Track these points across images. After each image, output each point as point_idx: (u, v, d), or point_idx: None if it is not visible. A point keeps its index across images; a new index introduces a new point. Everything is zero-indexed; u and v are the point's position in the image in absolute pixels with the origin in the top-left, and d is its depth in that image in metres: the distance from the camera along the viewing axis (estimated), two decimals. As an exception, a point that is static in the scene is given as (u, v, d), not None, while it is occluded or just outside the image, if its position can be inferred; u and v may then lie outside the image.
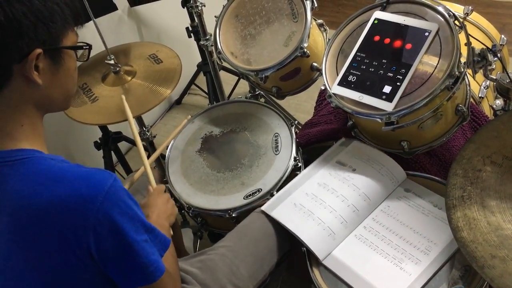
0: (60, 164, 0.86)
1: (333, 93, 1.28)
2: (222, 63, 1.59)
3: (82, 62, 1.73)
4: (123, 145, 2.16)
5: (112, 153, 2.05)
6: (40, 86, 0.86)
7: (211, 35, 1.87)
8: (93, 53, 1.76)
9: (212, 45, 1.84)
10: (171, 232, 1.15)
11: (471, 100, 1.38)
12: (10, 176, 0.83)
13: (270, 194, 1.35)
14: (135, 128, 1.34)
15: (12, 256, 0.85)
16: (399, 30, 1.27)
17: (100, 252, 0.83)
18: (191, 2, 1.80)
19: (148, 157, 1.50)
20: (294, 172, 1.40)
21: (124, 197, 0.85)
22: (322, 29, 1.58)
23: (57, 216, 0.80)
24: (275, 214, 1.25)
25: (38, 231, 0.82)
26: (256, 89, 1.82)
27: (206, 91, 2.44)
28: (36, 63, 0.83)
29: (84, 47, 0.94)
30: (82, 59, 0.96)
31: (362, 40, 1.31)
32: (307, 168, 1.37)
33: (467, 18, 1.59)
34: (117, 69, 1.63)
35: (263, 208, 1.28)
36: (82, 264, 0.83)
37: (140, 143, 1.33)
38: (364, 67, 1.27)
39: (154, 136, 1.80)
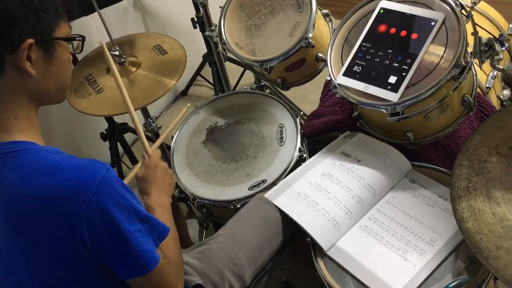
0: (54, 155, 0.86)
1: (338, 84, 1.28)
2: (227, 54, 1.59)
3: (85, 55, 1.75)
4: (129, 136, 2.17)
5: (118, 144, 2.06)
6: (33, 77, 0.86)
7: (216, 26, 1.86)
8: (98, 44, 1.78)
9: (217, 36, 1.84)
10: (171, 200, 1.14)
11: (478, 90, 1.37)
12: (3, 168, 0.83)
13: (274, 185, 1.35)
14: (127, 96, 1.27)
15: (8, 247, 0.86)
16: (405, 20, 1.26)
17: (94, 242, 0.83)
18: (196, -8, 1.79)
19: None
20: (299, 163, 1.40)
21: (118, 187, 0.84)
22: (327, 19, 1.57)
23: (50, 207, 0.81)
24: (278, 202, 1.25)
25: (33, 223, 0.82)
26: (261, 80, 1.82)
27: (212, 82, 2.44)
28: (28, 54, 0.84)
29: (77, 39, 0.93)
30: (77, 51, 0.96)
31: (368, 30, 1.29)
32: (311, 158, 1.36)
33: (475, 7, 1.58)
34: (122, 60, 1.64)
35: (266, 195, 1.28)
36: (78, 254, 0.84)
37: (134, 114, 1.26)
38: (369, 57, 1.26)
39: (159, 127, 1.80)
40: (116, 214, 0.83)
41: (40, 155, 0.85)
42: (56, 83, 0.91)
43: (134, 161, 2.13)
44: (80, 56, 1.74)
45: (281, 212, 1.24)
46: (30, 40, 0.83)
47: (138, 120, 1.25)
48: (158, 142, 1.35)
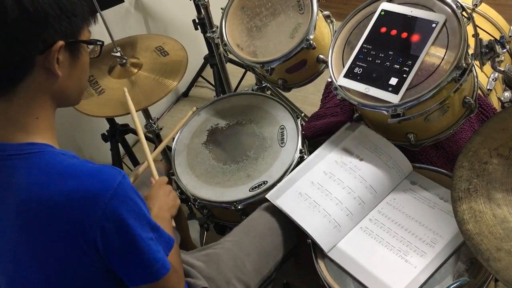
0: (70, 159, 0.87)
1: (339, 85, 1.28)
2: (228, 55, 1.59)
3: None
4: (130, 138, 2.17)
5: (120, 145, 2.06)
6: (58, 79, 0.87)
7: (217, 27, 1.87)
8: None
9: (218, 38, 1.84)
10: (173, 224, 1.15)
11: (479, 92, 1.37)
12: (20, 169, 0.84)
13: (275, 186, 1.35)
14: (138, 123, 1.33)
15: (19, 248, 0.86)
16: (406, 22, 1.26)
17: (106, 248, 0.83)
18: (198, -6, 1.80)
19: (154, 148, 1.51)
20: (299, 164, 1.40)
21: (132, 195, 0.85)
22: (328, 20, 1.57)
23: (65, 211, 0.81)
24: (279, 202, 1.25)
25: (46, 225, 0.82)
26: (262, 81, 1.82)
27: (213, 83, 2.44)
28: (57, 55, 0.84)
29: (98, 43, 0.95)
30: (93, 55, 0.98)
31: (369, 32, 1.30)
32: (312, 154, 1.35)
33: (476, 9, 1.58)
34: (124, 61, 1.64)
35: (267, 195, 1.28)
36: (88, 259, 0.84)
37: (143, 137, 1.32)
38: (370, 59, 1.26)
39: (161, 129, 1.80)
40: (130, 221, 0.83)
41: (57, 158, 0.85)
42: (77, 85, 0.93)
43: (135, 162, 2.14)
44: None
45: (286, 221, 1.24)
46: (61, 42, 0.84)
47: (142, 127, 1.28)
48: (160, 147, 1.36)
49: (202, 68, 2.64)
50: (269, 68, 1.46)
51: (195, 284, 1.11)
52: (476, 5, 1.57)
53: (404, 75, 1.20)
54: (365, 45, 1.29)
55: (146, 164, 1.30)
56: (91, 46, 0.95)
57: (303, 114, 2.12)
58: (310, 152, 1.46)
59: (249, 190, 1.37)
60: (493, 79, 1.50)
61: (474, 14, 1.48)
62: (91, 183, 0.82)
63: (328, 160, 1.32)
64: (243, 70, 2.48)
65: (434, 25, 1.21)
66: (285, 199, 1.26)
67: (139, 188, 1.35)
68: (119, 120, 2.04)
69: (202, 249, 1.25)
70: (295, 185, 1.29)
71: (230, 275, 1.16)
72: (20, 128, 0.86)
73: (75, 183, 0.82)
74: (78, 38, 0.88)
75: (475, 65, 1.25)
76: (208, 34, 1.91)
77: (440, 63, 1.18)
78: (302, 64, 1.51)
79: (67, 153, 0.88)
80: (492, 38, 1.20)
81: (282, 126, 1.49)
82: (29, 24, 0.81)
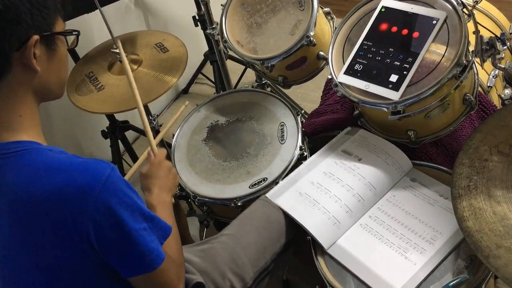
0: (58, 155, 0.86)
1: (339, 82, 1.28)
2: (228, 52, 1.59)
3: (87, 52, 1.75)
4: (130, 134, 2.17)
5: (120, 142, 2.06)
6: (37, 74, 0.86)
7: (217, 24, 1.87)
8: (99, 41, 1.78)
9: (218, 34, 1.84)
10: (173, 200, 1.14)
11: (480, 89, 1.37)
12: (8, 168, 0.84)
13: (275, 183, 1.35)
14: (138, 94, 1.30)
15: (13, 247, 0.86)
16: (407, 18, 1.26)
17: (99, 241, 0.83)
18: (198, -10, 1.79)
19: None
20: (300, 161, 1.40)
21: (122, 186, 0.85)
22: (329, 17, 1.57)
23: (56, 206, 0.81)
24: (279, 202, 1.25)
25: (38, 222, 0.82)
26: (263, 78, 1.82)
27: (213, 80, 2.44)
28: (33, 50, 0.84)
29: (74, 33, 0.94)
30: (72, 46, 0.96)
31: (369, 29, 1.29)
32: (313, 156, 1.36)
33: (477, 6, 1.58)
34: (124, 58, 1.63)
35: (267, 195, 1.28)
36: (83, 253, 0.84)
37: (141, 106, 1.29)
38: (370, 55, 1.26)
39: (161, 125, 1.80)
40: (122, 212, 0.83)
41: (44, 154, 0.85)
42: (58, 78, 0.92)
43: (135, 159, 2.13)
44: (81, 54, 1.74)
45: (284, 214, 1.24)
46: (36, 36, 0.83)
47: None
48: (157, 139, 1.36)
49: (202, 64, 2.63)
50: (269, 65, 1.46)
51: (190, 279, 1.11)
52: (476, 2, 1.57)
53: (405, 72, 1.20)
54: (366, 42, 1.28)
55: (139, 161, 1.27)
56: (71, 38, 0.94)
57: (303, 111, 2.11)
58: (310, 149, 1.46)
59: (249, 187, 1.37)
60: (493, 76, 1.50)
61: (474, 11, 1.48)
62: (80, 177, 0.82)
63: (327, 162, 1.33)
64: (243, 67, 2.47)
65: (434, 22, 1.21)
66: (285, 198, 1.26)
67: (135, 185, 1.35)
68: (119, 117, 2.03)
69: (199, 244, 1.24)
70: (295, 185, 1.29)
71: (225, 269, 1.15)
72: (4, 127, 0.86)
73: (64, 178, 0.81)
74: (52, 31, 0.87)
75: (475, 62, 1.25)
76: (208, 31, 1.91)
77: (441, 60, 1.18)
78: (302, 61, 1.51)
79: (55, 149, 0.88)
80: (493, 35, 1.20)
81: (282, 123, 1.49)
82: (1, 22, 0.80)
